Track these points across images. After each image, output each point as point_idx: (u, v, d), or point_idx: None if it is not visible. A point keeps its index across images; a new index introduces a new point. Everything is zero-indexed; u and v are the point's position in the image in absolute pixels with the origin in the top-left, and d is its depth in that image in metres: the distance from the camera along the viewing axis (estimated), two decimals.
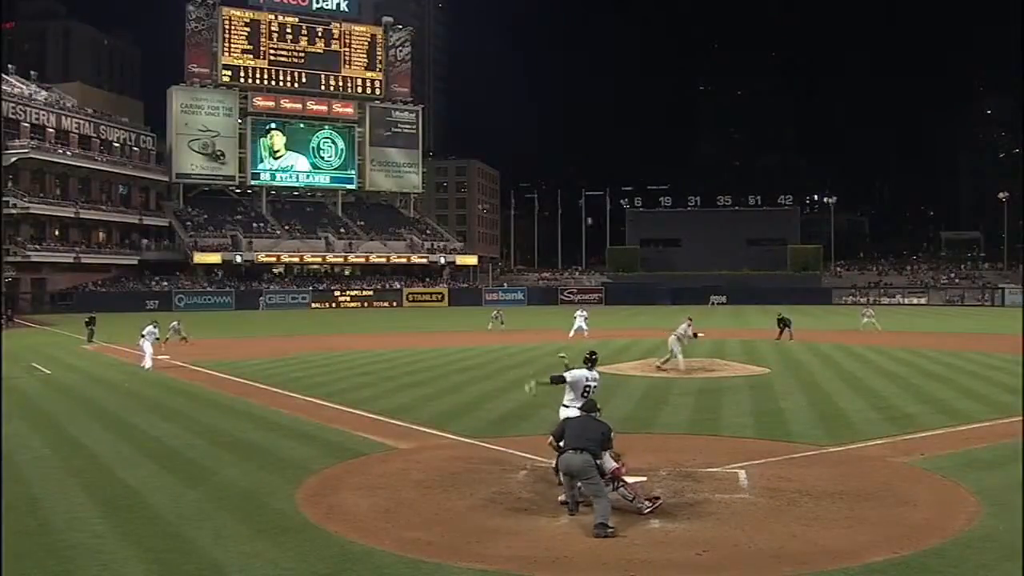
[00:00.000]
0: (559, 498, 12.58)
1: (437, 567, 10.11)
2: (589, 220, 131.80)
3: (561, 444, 12.25)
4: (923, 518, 12.08)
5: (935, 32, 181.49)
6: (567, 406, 14.14)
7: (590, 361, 14.85)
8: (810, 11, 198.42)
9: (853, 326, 53.61)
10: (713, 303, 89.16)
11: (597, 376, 14.73)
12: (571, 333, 45.97)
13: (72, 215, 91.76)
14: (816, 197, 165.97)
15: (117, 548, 10.85)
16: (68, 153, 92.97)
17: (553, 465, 12.79)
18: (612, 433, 12.35)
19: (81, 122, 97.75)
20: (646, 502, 12.31)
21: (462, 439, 17.98)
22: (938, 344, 41.86)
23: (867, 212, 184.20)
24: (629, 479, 12.91)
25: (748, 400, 23.44)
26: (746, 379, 27.67)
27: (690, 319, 33.19)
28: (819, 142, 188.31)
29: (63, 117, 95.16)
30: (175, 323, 43.18)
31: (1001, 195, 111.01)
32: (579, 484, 11.98)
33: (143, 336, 33.32)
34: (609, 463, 12.48)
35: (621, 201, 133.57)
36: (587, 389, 14.19)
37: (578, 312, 49.11)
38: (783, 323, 45.28)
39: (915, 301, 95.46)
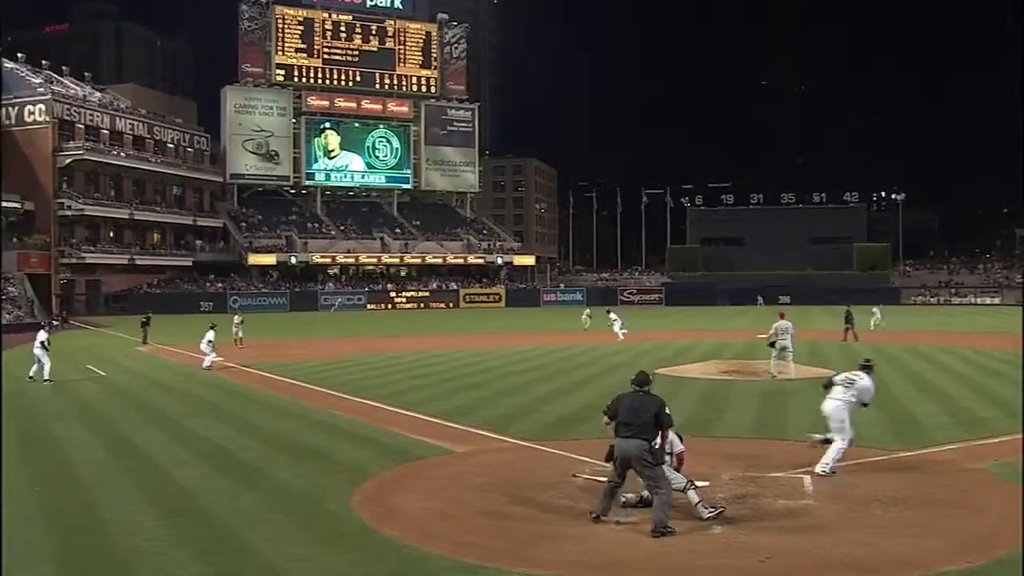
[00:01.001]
0: (591, 511, 12.28)
1: (494, 572, 10.14)
2: (648, 219, 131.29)
3: (613, 423, 12.10)
4: (995, 526, 11.89)
5: (1010, 25, 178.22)
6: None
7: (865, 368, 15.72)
8: (877, 4, 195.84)
9: (924, 326, 52.92)
10: (759, 302, 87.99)
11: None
12: (619, 335, 45.65)
13: (126, 216, 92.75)
14: (884, 194, 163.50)
15: (173, 550, 10.99)
16: (122, 154, 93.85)
17: (607, 456, 12.40)
18: (668, 409, 12.14)
19: (135, 123, 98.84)
20: (708, 509, 12.22)
21: (521, 442, 17.98)
22: (1010, 345, 41.05)
23: (937, 209, 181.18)
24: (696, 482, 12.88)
25: (814, 403, 23.14)
26: (811, 381, 27.39)
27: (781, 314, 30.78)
28: (888, 137, 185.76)
29: (117, 118, 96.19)
30: (238, 319, 45.38)
31: None
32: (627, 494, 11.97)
33: (208, 341, 34.11)
34: (677, 443, 12.49)
35: (682, 199, 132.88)
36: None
37: (611, 315, 48.64)
38: (848, 319, 45.02)
39: (988, 301, 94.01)
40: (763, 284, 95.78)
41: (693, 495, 12.24)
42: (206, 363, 33.30)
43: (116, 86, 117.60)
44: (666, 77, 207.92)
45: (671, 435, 12.47)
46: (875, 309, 55.55)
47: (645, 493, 12.28)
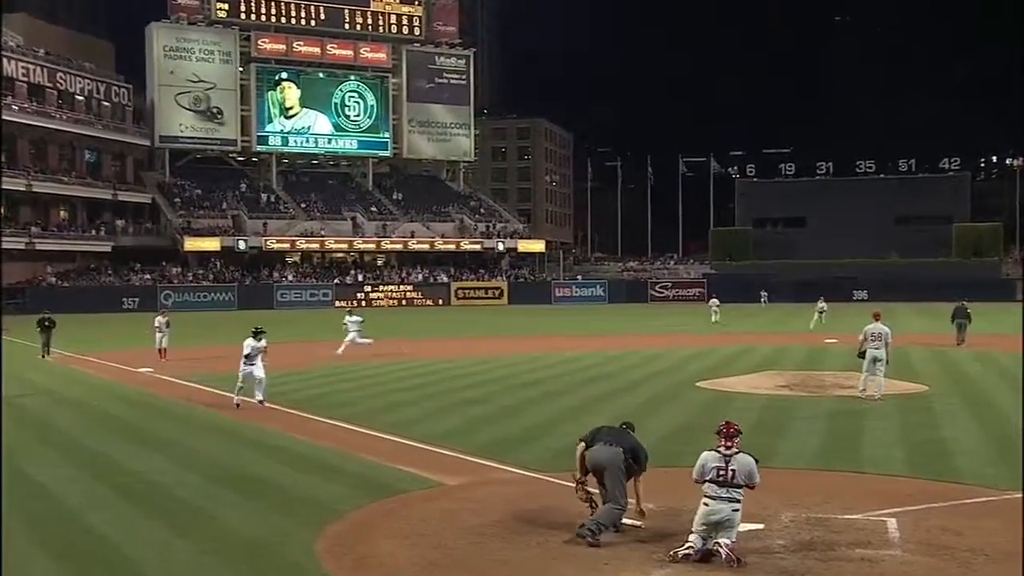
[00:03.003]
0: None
1: None
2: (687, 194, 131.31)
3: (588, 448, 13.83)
4: None
5: None
6: None
7: None
8: None
9: None
10: (763, 300, 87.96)
11: None
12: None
13: (23, 188, 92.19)
14: (994, 159, 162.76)
15: None
16: (14, 108, 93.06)
17: (576, 479, 13.93)
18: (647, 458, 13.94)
19: (31, 67, 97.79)
20: (688, 548, 12.50)
21: (527, 473, 18.05)
22: None
23: None
24: (743, 527, 12.88)
25: (898, 426, 23.20)
26: (895, 398, 27.35)
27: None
28: (996, 86, 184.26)
29: (5, 60, 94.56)
30: (161, 319, 42.44)
31: None
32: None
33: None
34: (756, 475, 12.74)
35: (729, 170, 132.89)
36: None
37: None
38: (961, 318, 45.19)
39: None
40: (833, 275, 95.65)
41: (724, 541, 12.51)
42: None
43: (4, 16, 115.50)
44: (709, 14, 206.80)
45: (748, 461, 12.73)
46: (820, 303, 58.63)
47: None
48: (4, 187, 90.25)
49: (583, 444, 13.81)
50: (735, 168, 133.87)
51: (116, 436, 22.98)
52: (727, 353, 42.62)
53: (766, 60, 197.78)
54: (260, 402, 26.94)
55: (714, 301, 66.22)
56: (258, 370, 27.09)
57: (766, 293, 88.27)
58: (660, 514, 13.83)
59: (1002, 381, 31.80)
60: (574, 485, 13.74)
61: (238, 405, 26.87)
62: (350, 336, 42.27)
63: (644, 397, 27.87)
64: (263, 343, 27.56)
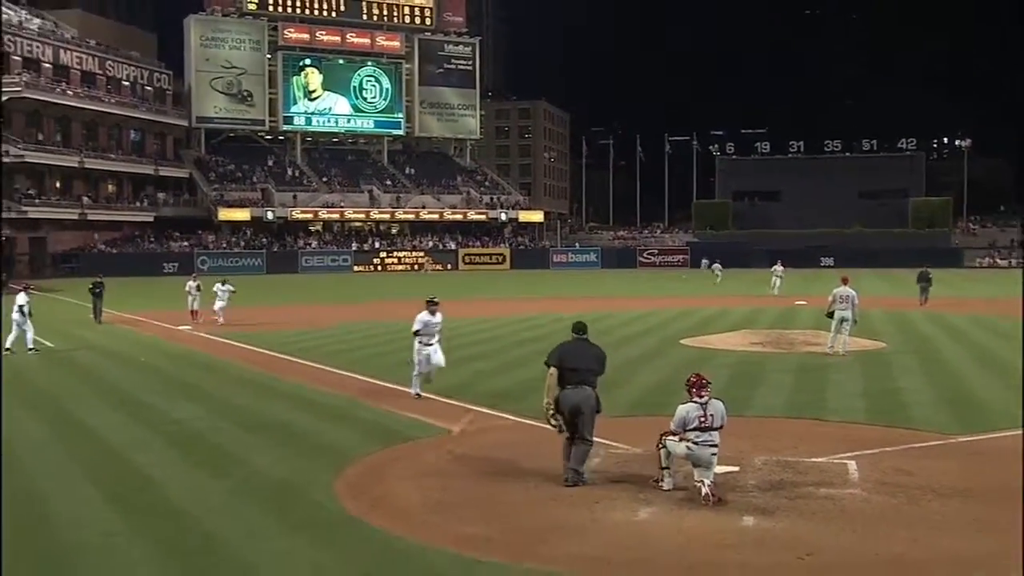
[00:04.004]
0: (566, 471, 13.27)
1: (496, 568, 10.16)
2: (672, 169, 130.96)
3: (559, 371, 13.29)
4: None
5: None
6: None
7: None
8: None
9: (991, 294, 52.84)
10: (714, 270, 71.71)
11: None
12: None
13: (75, 164, 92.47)
14: (946, 140, 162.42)
15: (132, 548, 10.93)
16: (69, 92, 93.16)
17: (548, 407, 13.45)
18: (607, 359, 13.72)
19: (83, 56, 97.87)
20: (665, 479, 12.88)
21: (526, 421, 18.00)
22: None
23: (1010, 157, 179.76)
24: (719, 468, 12.95)
25: (859, 379, 23.21)
26: (858, 355, 27.37)
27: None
28: (950, 73, 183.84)
29: (61, 50, 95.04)
30: (193, 283, 41.05)
31: None
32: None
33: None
34: (725, 416, 12.95)
35: (710, 148, 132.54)
36: None
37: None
38: (924, 282, 45.85)
39: None
40: (804, 245, 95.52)
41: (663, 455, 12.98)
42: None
43: (59, 12, 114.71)
44: (694, 8, 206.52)
45: (720, 406, 12.90)
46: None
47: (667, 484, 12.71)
48: (60, 164, 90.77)
49: (553, 370, 13.34)
50: (716, 146, 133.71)
51: (158, 387, 23.03)
52: (707, 314, 42.60)
53: (745, 51, 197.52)
54: (416, 395, 20.78)
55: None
56: (437, 354, 20.68)
57: (719, 263, 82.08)
58: (646, 458, 13.84)
59: (951, 340, 31.83)
60: (545, 411, 13.50)
61: (419, 396, 20.75)
62: (219, 305, 37.92)
63: (634, 353, 27.85)
64: (439, 319, 20.96)
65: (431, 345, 20.49)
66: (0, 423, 16.74)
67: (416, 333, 20.61)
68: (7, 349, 28.90)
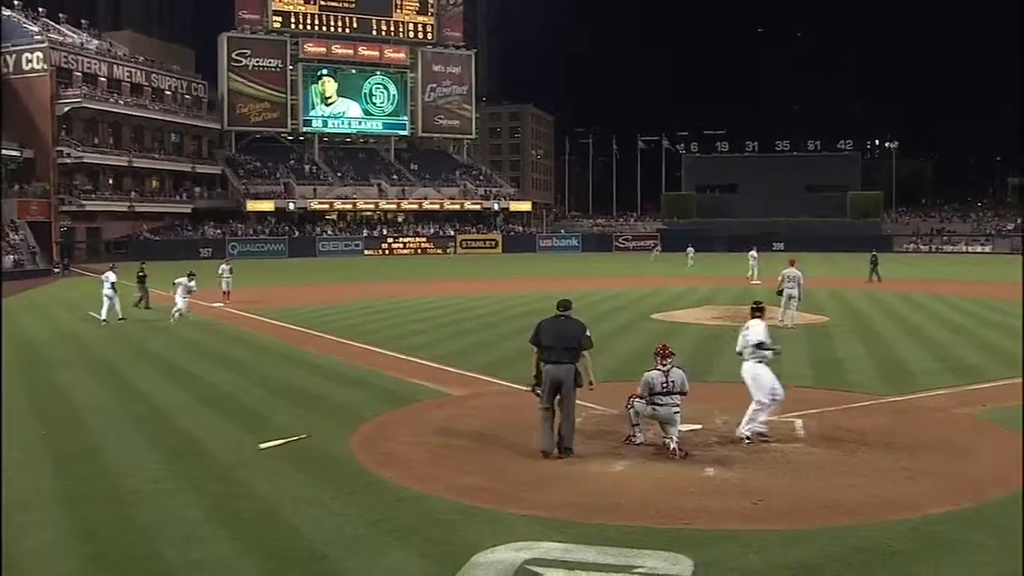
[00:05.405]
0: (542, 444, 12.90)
1: (490, 513, 10.22)
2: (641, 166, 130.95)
3: (541, 347, 12.90)
4: (985, 470, 11.97)
5: None
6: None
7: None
8: None
9: (916, 275, 53.00)
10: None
11: None
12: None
13: (125, 164, 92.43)
14: (877, 142, 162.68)
15: (176, 493, 11.09)
16: (120, 102, 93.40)
17: (532, 381, 13.18)
18: (589, 331, 12.95)
19: (133, 71, 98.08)
20: (637, 435, 13.05)
21: (517, 386, 17.99)
22: (1003, 294, 41.06)
23: (931, 158, 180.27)
24: (684, 427, 13.03)
25: (805, 348, 23.30)
26: (805, 327, 27.45)
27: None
28: (881, 85, 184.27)
29: (115, 66, 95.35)
30: (225, 267, 40.31)
31: None
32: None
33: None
34: (686, 383, 13.02)
35: (677, 146, 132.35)
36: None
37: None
38: (873, 264, 48.13)
39: (979, 249, 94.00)
40: (758, 231, 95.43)
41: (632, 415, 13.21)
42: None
43: (113, 33, 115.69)
44: (663, 25, 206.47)
45: (680, 374, 12.95)
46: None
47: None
48: (112, 163, 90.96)
49: (535, 350, 13.04)
50: (682, 145, 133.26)
51: (196, 356, 23.07)
52: (674, 292, 42.65)
53: (708, 62, 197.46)
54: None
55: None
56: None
57: (658, 247, 78.25)
58: (621, 418, 13.88)
59: (883, 315, 31.93)
60: (530, 388, 13.33)
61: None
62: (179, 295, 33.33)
63: (610, 327, 27.89)
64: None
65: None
66: (0, 419, 16.79)
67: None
68: (103, 320, 30.15)
